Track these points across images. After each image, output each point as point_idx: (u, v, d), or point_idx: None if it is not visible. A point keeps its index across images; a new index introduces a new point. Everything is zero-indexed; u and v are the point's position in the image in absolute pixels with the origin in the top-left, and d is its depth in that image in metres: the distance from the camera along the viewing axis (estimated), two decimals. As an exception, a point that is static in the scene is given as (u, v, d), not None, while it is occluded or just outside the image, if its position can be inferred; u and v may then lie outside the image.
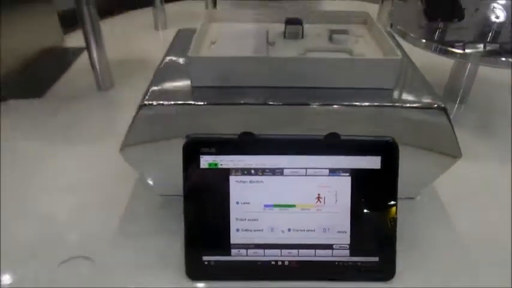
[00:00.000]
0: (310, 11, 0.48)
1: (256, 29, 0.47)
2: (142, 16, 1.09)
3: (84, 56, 0.85)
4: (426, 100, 0.38)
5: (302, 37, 0.45)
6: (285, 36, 0.45)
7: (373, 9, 0.94)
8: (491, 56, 0.54)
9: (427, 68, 0.49)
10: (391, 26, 0.61)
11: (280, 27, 0.46)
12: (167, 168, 0.39)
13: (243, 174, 0.37)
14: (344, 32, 0.46)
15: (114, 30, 0.98)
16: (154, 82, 0.41)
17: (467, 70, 0.63)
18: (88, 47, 0.70)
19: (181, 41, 0.48)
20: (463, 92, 0.67)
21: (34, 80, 0.76)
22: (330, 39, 0.45)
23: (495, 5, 0.58)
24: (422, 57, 0.55)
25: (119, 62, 0.79)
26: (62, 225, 0.44)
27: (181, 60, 0.44)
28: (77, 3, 0.65)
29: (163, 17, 1.02)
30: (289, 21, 0.45)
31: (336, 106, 0.37)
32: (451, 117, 0.38)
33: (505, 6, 0.59)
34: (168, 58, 0.45)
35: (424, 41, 0.57)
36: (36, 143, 0.58)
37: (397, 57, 0.37)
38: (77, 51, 0.88)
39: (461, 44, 0.56)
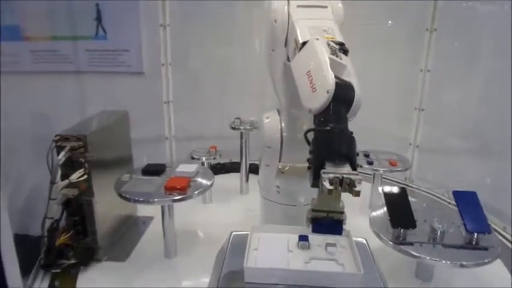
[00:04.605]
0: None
1: (280, 240, 0.78)
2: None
3: (153, 225, 1.17)
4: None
5: (309, 248, 0.75)
6: (298, 246, 0.76)
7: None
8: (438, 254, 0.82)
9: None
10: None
11: (295, 237, 0.77)
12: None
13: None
14: (334, 244, 0.76)
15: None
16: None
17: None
18: (163, 221, 0.96)
19: (236, 244, 0.80)
20: (429, 272, 0.94)
21: (119, 245, 1.06)
22: (326, 249, 0.75)
23: (436, 219, 0.89)
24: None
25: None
26: None
27: (238, 264, 0.74)
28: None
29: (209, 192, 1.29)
30: (301, 238, 0.76)
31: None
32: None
33: (445, 218, 0.90)
34: (227, 261, 0.75)
35: (391, 243, 0.86)
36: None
37: (360, 273, 0.67)
38: (147, 221, 1.20)
39: (418, 244, 0.85)
